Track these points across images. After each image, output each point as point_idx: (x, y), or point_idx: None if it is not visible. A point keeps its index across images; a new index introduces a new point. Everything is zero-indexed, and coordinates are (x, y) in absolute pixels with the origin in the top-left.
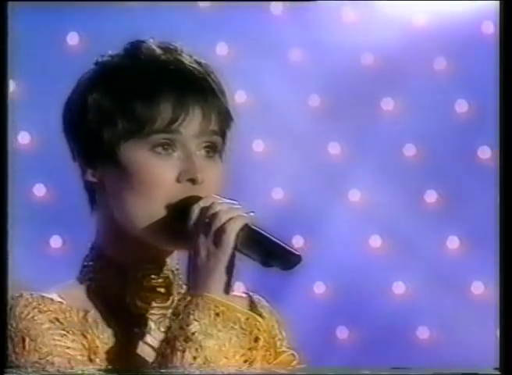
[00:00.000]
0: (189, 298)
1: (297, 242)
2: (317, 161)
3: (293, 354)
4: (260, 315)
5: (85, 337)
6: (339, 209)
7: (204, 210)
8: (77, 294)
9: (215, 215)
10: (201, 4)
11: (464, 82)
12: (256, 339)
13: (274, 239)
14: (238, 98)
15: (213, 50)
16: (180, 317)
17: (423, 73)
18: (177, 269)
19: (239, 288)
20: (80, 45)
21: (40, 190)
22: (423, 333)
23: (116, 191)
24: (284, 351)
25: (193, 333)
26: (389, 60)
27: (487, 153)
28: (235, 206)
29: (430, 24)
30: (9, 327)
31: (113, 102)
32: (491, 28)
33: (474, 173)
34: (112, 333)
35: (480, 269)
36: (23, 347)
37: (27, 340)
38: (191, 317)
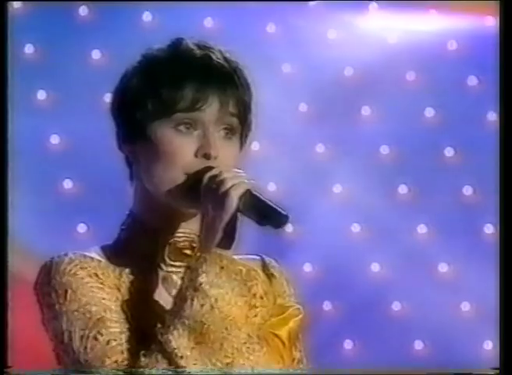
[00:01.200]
0: (198, 254)
1: (288, 228)
2: (305, 159)
3: (298, 308)
4: (271, 273)
5: (119, 290)
6: (325, 200)
7: (212, 178)
8: (114, 254)
9: (221, 181)
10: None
11: (432, 91)
12: (256, 289)
13: (269, 203)
14: None
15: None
16: (190, 270)
17: (396, 84)
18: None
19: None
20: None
21: (68, 183)
22: (396, 306)
23: (147, 163)
24: (291, 306)
25: (200, 284)
26: (368, 73)
27: (451, 152)
28: (239, 174)
29: (402, 42)
30: (54, 281)
31: (145, 87)
32: (455, 45)
33: (440, 169)
34: (142, 287)
35: (445, 252)
36: (65, 297)
37: (69, 291)
38: (199, 270)
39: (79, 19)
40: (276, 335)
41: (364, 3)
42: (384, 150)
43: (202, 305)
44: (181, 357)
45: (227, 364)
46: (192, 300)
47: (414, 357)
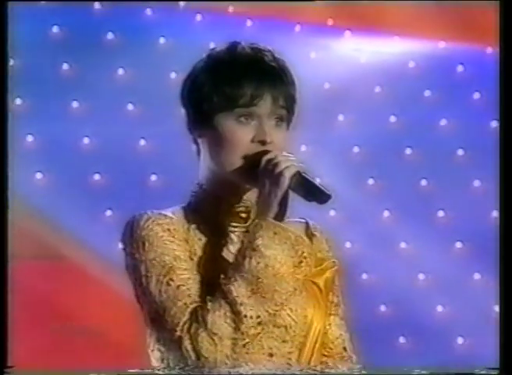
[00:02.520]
0: (256, 221)
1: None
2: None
3: (334, 261)
4: (312, 234)
5: (187, 242)
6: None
7: (269, 160)
8: (184, 213)
9: (276, 163)
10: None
11: (394, 102)
12: (302, 252)
13: (315, 183)
14: None
15: None
16: (250, 234)
17: (366, 96)
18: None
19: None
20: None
21: (97, 176)
22: (365, 276)
23: (212, 147)
24: (328, 259)
25: (257, 246)
26: (342, 86)
27: (410, 151)
28: (291, 158)
29: (370, 62)
30: (135, 234)
31: (211, 83)
32: (413, 64)
33: (402, 165)
34: (206, 241)
35: (405, 233)
36: (144, 248)
37: (147, 244)
38: (257, 234)
39: (105, 42)
40: (314, 283)
41: (340, 30)
42: (355, 149)
43: (258, 263)
44: (240, 304)
45: (276, 311)
46: (250, 258)
47: (376, 319)
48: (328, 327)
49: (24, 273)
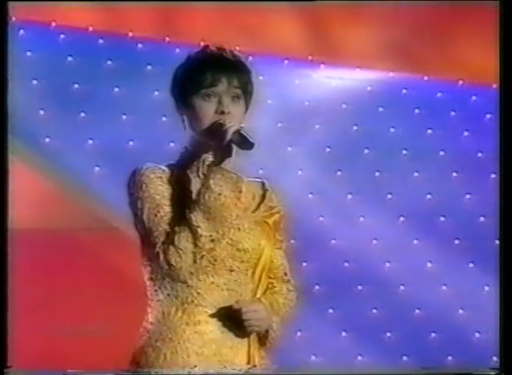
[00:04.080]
0: (210, 167)
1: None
2: (280, 154)
3: (280, 208)
4: (266, 189)
5: (172, 187)
6: (291, 182)
7: (222, 124)
8: (173, 167)
9: (225, 124)
10: None
11: (356, 115)
12: (241, 188)
13: (248, 138)
14: None
15: None
16: (204, 176)
17: (335, 111)
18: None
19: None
20: None
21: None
22: (333, 241)
23: (190, 119)
24: (276, 207)
25: (209, 184)
26: (318, 104)
27: (367, 151)
28: (236, 123)
29: (338, 85)
30: (135, 179)
31: (186, 76)
32: (370, 88)
33: (361, 161)
34: (183, 186)
35: (362, 209)
36: (141, 189)
37: (143, 186)
38: (209, 176)
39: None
40: (266, 222)
41: (317, 63)
42: (327, 149)
43: (209, 197)
44: (197, 227)
45: (224, 231)
46: (204, 194)
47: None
48: (274, 257)
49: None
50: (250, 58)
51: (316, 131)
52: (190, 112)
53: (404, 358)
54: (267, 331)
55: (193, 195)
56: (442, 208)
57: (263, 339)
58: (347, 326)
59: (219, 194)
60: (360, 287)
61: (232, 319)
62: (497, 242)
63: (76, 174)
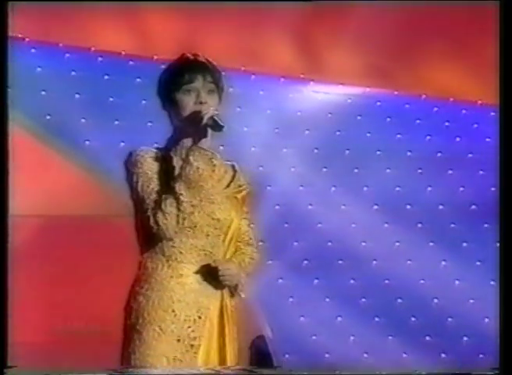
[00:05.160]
0: (190, 147)
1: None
2: (276, 154)
3: (248, 186)
4: (236, 171)
5: (162, 165)
6: (285, 177)
7: (199, 111)
8: (163, 149)
9: (202, 111)
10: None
11: (339, 123)
12: (214, 163)
13: (220, 122)
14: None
15: None
16: (186, 154)
17: (321, 119)
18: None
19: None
20: None
21: None
22: (320, 225)
23: (174, 111)
24: (244, 184)
25: (189, 160)
26: (308, 113)
27: (347, 152)
28: (212, 111)
29: (325, 98)
30: (131, 159)
31: (168, 77)
32: (350, 100)
33: (343, 160)
34: (171, 164)
35: (343, 197)
36: (136, 166)
37: (139, 164)
38: (189, 154)
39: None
40: (235, 197)
41: (307, 80)
42: (315, 150)
43: (189, 170)
44: (180, 194)
45: (202, 198)
46: (185, 168)
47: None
48: (241, 226)
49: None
50: (253, 76)
51: (306, 136)
52: (173, 106)
53: (376, 319)
54: (236, 284)
55: (177, 170)
56: (408, 198)
57: (233, 290)
58: (330, 293)
59: (197, 167)
60: (340, 262)
61: (209, 274)
62: (453, 226)
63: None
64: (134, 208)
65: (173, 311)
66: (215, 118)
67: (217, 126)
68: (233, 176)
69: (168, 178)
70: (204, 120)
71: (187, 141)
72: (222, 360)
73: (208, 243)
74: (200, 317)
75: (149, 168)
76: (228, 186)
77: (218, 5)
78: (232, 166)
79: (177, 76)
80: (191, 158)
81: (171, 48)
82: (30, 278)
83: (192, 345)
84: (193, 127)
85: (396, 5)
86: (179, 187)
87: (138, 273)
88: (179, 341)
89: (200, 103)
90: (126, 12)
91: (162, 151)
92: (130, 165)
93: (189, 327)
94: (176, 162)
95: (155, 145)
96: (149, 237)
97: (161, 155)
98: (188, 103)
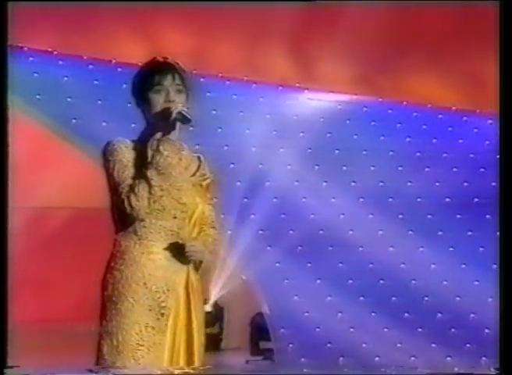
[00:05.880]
0: (161, 139)
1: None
2: (275, 154)
3: (210, 176)
4: (201, 161)
5: (136, 154)
6: (282, 173)
7: (168, 108)
8: (136, 141)
9: (170, 108)
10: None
11: (330, 126)
12: (182, 152)
13: (187, 116)
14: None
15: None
16: (156, 144)
17: (315, 122)
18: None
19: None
20: None
21: None
22: (312, 216)
23: (147, 108)
24: (206, 174)
25: (159, 149)
26: (303, 117)
27: (337, 152)
28: (180, 107)
29: (317, 104)
30: (108, 148)
31: (141, 78)
32: (340, 107)
33: (333, 159)
34: (144, 153)
35: (332, 189)
36: (112, 154)
37: (115, 152)
38: (159, 144)
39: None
40: (200, 184)
41: (303, 89)
42: (308, 150)
43: (159, 158)
44: (151, 179)
45: (171, 183)
46: (156, 156)
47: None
48: (205, 210)
49: None
50: (254, 85)
51: (301, 137)
52: (146, 104)
53: (361, 298)
54: (201, 260)
55: (149, 158)
56: (390, 192)
57: (197, 266)
58: (321, 275)
59: (167, 156)
60: (330, 248)
61: (176, 251)
62: (429, 216)
63: None
64: (110, 192)
65: (145, 284)
66: (183, 112)
67: (185, 120)
68: (199, 166)
69: (141, 165)
70: (173, 115)
71: (158, 134)
72: (189, 326)
73: (175, 224)
74: (168, 289)
75: (124, 156)
76: (194, 174)
77: (224, 22)
78: (198, 158)
79: (149, 77)
80: (161, 148)
81: (183, 60)
82: (64, 265)
83: (162, 314)
84: (163, 122)
85: (387, 11)
86: (151, 173)
87: (113, 251)
88: (150, 310)
89: (169, 101)
90: (142, 26)
91: (136, 142)
92: (108, 153)
93: (159, 298)
94: (148, 152)
95: (130, 137)
96: (123, 218)
97: (134, 145)
98: (159, 101)
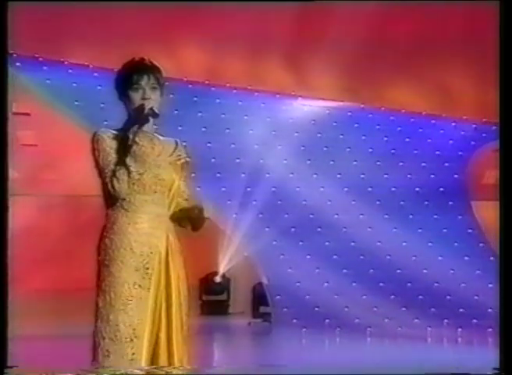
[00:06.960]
0: (137, 130)
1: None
2: (273, 151)
3: (186, 157)
4: (178, 144)
5: (118, 144)
6: (279, 167)
7: (143, 104)
8: (119, 131)
9: (144, 105)
10: None
11: (321, 127)
12: (157, 141)
13: (157, 112)
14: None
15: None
16: (133, 135)
17: (307, 125)
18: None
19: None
20: None
21: None
22: (304, 202)
23: (127, 104)
24: (183, 155)
25: (136, 140)
26: (298, 121)
27: (326, 149)
28: (151, 103)
29: (310, 109)
30: (94, 138)
31: (122, 77)
32: (328, 111)
33: (323, 156)
34: (125, 144)
35: (324, 183)
36: (97, 143)
37: (100, 141)
38: (136, 135)
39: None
40: (176, 163)
41: (297, 97)
42: (301, 148)
43: (136, 147)
44: (129, 166)
45: (149, 167)
46: (133, 146)
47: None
48: (181, 185)
49: None
50: (256, 93)
51: (295, 137)
52: (126, 100)
53: (344, 270)
54: (183, 223)
55: (127, 147)
56: (370, 183)
57: (182, 226)
58: (311, 251)
59: (142, 145)
60: (319, 229)
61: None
62: (402, 203)
63: None
64: (98, 175)
65: (131, 249)
66: (154, 109)
67: (155, 115)
68: (175, 148)
69: (121, 153)
70: (146, 111)
71: (135, 126)
72: (168, 281)
73: (156, 198)
74: (152, 252)
75: (107, 145)
76: (171, 155)
77: (230, 41)
78: (176, 141)
79: (127, 75)
80: (137, 138)
81: (198, 73)
82: (93, 251)
83: (147, 273)
84: (139, 116)
85: (368, 30)
86: (129, 160)
87: (105, 222)
88: (136, 270)
89: (145, 99)
90: (163, 41)
91: (118, 131)
92: (94, 142)
93: (143, 260)
94: (127, 142)
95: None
96: (110, 197)
97: (116, 135)
98: (136, 98)
